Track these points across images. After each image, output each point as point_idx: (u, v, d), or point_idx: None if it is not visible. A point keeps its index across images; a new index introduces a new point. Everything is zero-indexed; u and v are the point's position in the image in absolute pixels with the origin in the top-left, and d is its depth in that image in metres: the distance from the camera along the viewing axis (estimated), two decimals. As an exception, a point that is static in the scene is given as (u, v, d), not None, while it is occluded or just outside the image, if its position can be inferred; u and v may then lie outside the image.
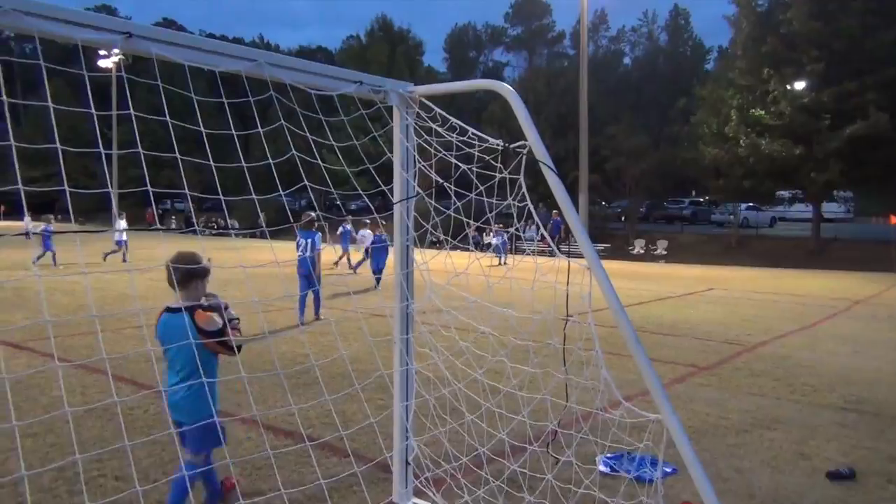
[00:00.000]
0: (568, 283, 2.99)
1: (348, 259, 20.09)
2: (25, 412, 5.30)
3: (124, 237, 20.51)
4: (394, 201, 3.76)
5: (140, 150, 2.78)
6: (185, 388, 3.34)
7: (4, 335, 8.44)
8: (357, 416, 5.50)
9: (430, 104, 3.66)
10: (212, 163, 2.95)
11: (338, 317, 11.09)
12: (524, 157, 3.28)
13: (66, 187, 2.48)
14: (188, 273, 3.38)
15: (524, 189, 3.41)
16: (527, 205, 3.41)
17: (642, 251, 31.48)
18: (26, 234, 14.10)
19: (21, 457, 3.96)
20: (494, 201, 3.73)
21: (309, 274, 10.58)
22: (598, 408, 3.43)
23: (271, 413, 5.59)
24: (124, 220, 21.26)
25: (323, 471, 4.49)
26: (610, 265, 15.08)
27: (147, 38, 2.69)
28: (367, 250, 17.60)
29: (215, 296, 3.55)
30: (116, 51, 2.65)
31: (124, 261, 19.82)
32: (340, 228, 20.36)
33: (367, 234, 17.98)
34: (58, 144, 2.57)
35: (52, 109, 2.53)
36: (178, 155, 2.73)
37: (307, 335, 9.27)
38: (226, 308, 3.47)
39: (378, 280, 15.19)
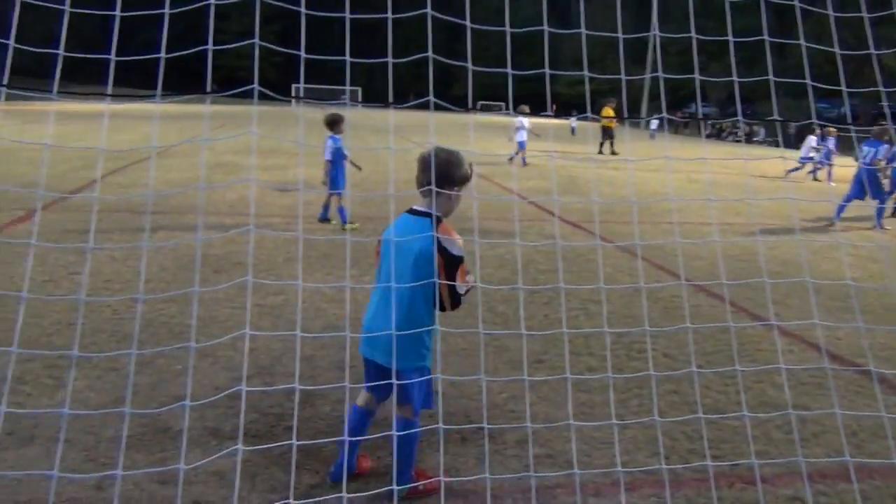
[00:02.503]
0: None
1: None
2: (585, 279, 6.30)
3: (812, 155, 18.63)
4: None
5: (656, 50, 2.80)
6: (404, 319, 2.59)
7: (566, 214, 10.08)
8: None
9: None
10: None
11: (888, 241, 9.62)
12: None
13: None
14: (446, 173, 2.67)
15: None
16: None
17: None
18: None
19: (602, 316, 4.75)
20: None
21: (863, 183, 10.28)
22: None
23: (809, 328, 5.25)
24: (814, 137, 18.63)
25: (877, 405, 4.07)
26: None
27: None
28: None
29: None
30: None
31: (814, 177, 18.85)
32: None
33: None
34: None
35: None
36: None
37: (852, 258, 8.24)
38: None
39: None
